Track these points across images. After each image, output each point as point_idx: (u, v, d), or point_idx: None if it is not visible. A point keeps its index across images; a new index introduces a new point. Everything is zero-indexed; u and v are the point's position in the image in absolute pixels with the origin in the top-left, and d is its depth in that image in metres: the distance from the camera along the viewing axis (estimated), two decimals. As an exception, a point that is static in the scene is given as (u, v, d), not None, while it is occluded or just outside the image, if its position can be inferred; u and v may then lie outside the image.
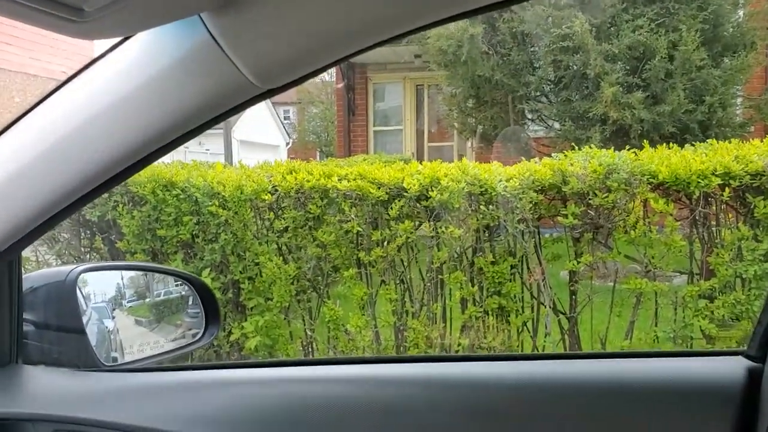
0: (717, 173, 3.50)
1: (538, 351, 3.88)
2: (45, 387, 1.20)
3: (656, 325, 3.75)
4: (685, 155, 3.69)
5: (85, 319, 1.36)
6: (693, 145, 3.99)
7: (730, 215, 3.78)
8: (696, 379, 1.15)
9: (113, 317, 1.54)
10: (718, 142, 3.96)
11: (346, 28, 0.79)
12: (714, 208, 3.69)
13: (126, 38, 0.87)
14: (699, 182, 3.50)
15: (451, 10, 0.78)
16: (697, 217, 3.66)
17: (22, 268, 1.24)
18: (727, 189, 3.50)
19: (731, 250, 3.55)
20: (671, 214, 3.58)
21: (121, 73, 0.88)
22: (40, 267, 4.54)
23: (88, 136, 0.92)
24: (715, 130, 7.97)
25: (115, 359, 1.47)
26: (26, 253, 4.48)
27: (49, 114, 0.96)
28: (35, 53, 15.02)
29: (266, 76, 0.83)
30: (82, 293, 1.38)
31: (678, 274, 4.04)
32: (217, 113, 0.89)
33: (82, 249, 4.71)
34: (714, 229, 3.70)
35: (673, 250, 3.60)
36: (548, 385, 1.17)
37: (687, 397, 1.13)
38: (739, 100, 9.17)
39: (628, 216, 3.68)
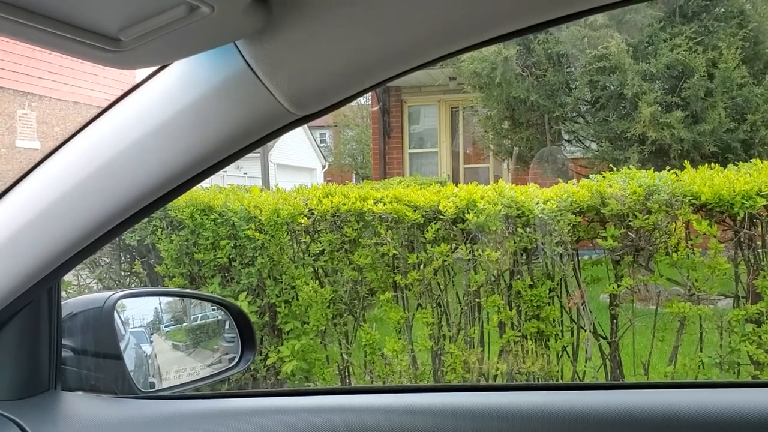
0: (762, 194, 3.41)
1: (578, 376, 3.80)
2: (83, 413, 1.20)
3: (701, 351, 3.64)
4: (728, 175, 3.61)
5: (123, 345, 1.36)
6: (736, 165, 3.89)
7: (777, 237, 3.67)
8: (753, 411, 1.10)
9: (151, 342, 1.55)
10: (762, 162, 3.86)
11: (381, 54, 0.78)
12: (760, 229, 3.59)
13: (162, 67, 0.88)
14: (743, 203, 3.41)
15: (485, 35, 0.77)
16: (742, 239, 3.56)
17: (62, 294, 1.25)
18: (773, 210, 3.41)
19: (779, 272, 3.44)
20: (715, 236, 3.49)
21: (158, 102, 0.89)
22: (81, 290, 4.62)
23: (127, 164, 0.93)
24: (758, 149, 7.81)
25: (152, 384, 1.48)
26: (68, 276, 4.57)
27: (89, 142, 0.97)
28: (77, 81, 15.46)
29: (301, 102, 0.83)
30: (120, 318, 1.39)
31: (723, 297, 3.92)
32: (253, 140, 0.89)
33: (122, 273, 4.78)
34: (760, 251, 3.59)
35: (717, 272, 3.51)
36: (592, 418, 1.13)
37: (744, 431, 1.08)
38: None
39: (669, 238, 3.60)
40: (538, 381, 3.74)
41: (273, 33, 0.75)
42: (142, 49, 0.70)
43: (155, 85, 0.90)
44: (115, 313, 1.33)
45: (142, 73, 0.93)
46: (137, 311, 1.52)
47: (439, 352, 3.97)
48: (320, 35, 0.75)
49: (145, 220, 4.38)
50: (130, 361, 1.37)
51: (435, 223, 3.83)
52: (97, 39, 0.67)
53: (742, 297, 3.61)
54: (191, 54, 0.80)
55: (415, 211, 3.87)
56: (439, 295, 4.00)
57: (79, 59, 0.72)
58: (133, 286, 4.64)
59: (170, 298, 1.74)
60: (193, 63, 0.84)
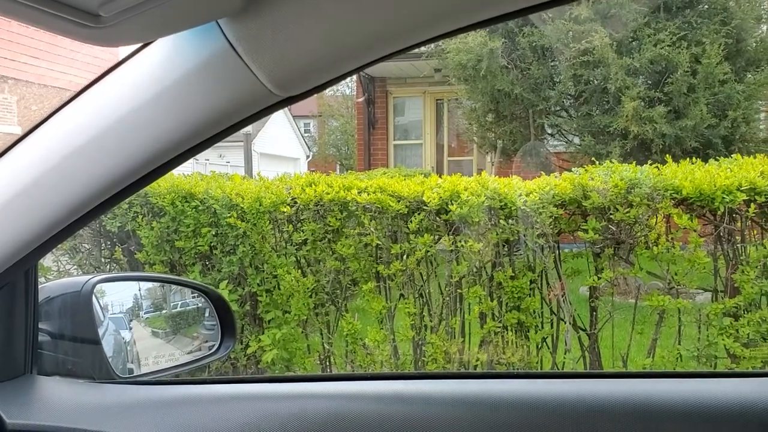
0: (742, 188, 3.45)
1: (557, 367, 3.83)
2: (59, 398, 1.19)
3: (679, 344, 3.68)
4: (709, 170, 3.64)
5: (101, 330, 1.35)
6: (717, 160, 3.93)
7: (755, 231, 3.71)
8: (727, 401, 1.11)
9: (130, 328, 1.54)
10: (742, 157, 3.90)
11: (365, 35, 0.77)
12: (739, 224, 3.62)
13: (144, 46, 0.86)
14: (724, 198, 3.44)
15: (468, 19, 0.77)
16: (721, 234, 3.60)
17: (40, 278, 1.23)
18: (752, 205, 3.44)
19: (757, 267, 3.48)
20: (695, 230, 3.52)
21: (138, 81, 0.87)
22: (61, 276, 4.58)
23: (106, 145, 0.91)
24: (739, 145, 7.88)
25: (131, 371, 1.47)
26: (47, 262, 4.52)
27: (67, 122, 0.96)
28: (61, 65, 15.25)
29: (284, 83, 0.82)
30: (99, 303, 1.38)
31: (702, 291, 3.97)
32: (235, 121, 0.88)
33: (102, 259, 4.74)
34: (739, 245, 3.63)
35: (696, 266, 3.54)
36: (570, 405, 1.14)
37: (717, 420, 1.10)
38: (762, 115, 9.06)
39: (650, 231, 3.62)
40: (518, 371, 3.76)
41: (256, 12, 0.74)
42: (123, 25, 0.68)
43: (136, 63, 0.88)
44: (94, 297, 1.31)
45: (125, 52, 0.92)
46: (117, 297, 1.50)
47: (420, 342, 3.98)
48: (304, 15, 0.74)
49: (126, 206, 4.34)
50: (108, 346, 1.36)
51: (419, 214, 3.83)
52: (76, 14, 0.65)
53: (721, 291, 3.65)
54: (173, 32, 0.78)
55: (399, 201, 3.87)
56: (422, 286, 4.00)
57: (58, 35, 0.70)
58: (113, 272, 4.60)
59: (150, 285, 1.72)
60: (174, 42, 0.83)
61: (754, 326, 3.46)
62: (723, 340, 3.51)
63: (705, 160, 3.96)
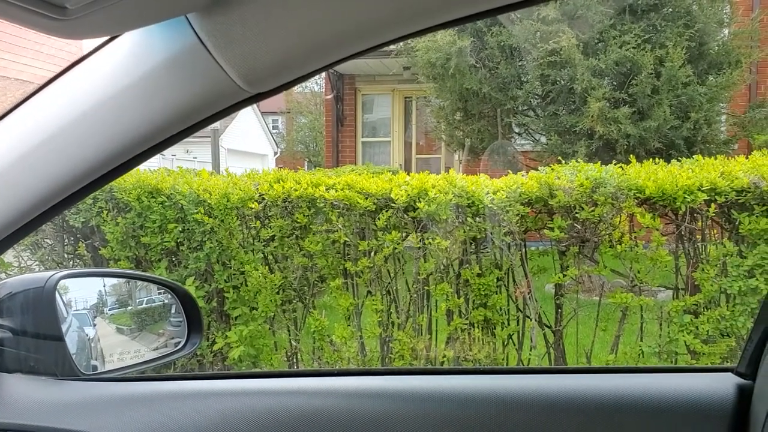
0: (703, 189, 3.52)
1: (523, 364, 3.87)
2: (21, 396, 1.17)
3: (641, 340, 3.75)
4: (671, 170, 3.71)
5: (65, 327, 1.33)
6: (679, 161, 4.01)
7: (716, 231, 3.80)
8: (686, 395, 1.14)
9: (95, 325, 1.52)
10: (703, 158, 3.98)
11: (335, 33, 0.77)
12: (700, 223, 3.70)
13: (111, 39, 0.85)
14: (685, 198, 3.51)
15: (438, 18, 0.78)
16: (683, 233, 3.67)
17: (1, 274, 1.21)
18: (713, 205, 3.52)
19: (716, 265, 3.56)
20: (657, 229, 3.59)
21: (105, 75, 0.86)
22: (22, 272, 4.48)
23: (71, 139, 0.90)
24: (700, 147, 8.05)
25: (95, 368, 1.45)
26: (9, 258, 4.42)
27: (30, 116, 0.94)
28: (19, 56, 14.92)
29: (253, 80, 0.81)
30: (62, 300, 1.35)
31: (663, 289, 4.04)
32: (204, 116, 0.87)
33: (66, 255, 4.66)
34: (699, 244, 3.71)
35: (658, 265, 3.61)
36: (536, 400, 1.16)
37: (677, 413, 1.12)
38: (723, 117, 9.26)
39: (614, 230, 3.68)
40: (485, 367, 3.79)
41: (225, 7, 0.73)
42: (90, 18, 0.68)
43: (103, 57, 0.87)
44: (57, 293, 1.29)
45: (92, 45, 0.90)
46: (81, 293, 1.48)
47: (387, 339, 3.99)
48: (274, 11, 0.74)
49: (90, 201, 4.28)
50: (71, 343, 1.34)
51: (386, 211, 3.84)
52: (42, 6, 0.64)
53: (682, 289, 3.73)
54: (140, 26, 0.78)
55: (367, 198, 3.88)
56: (389, 283, 4.01)
57: (24, 27, 0.69)
58: (77, 268, 4.52)
59: (115, 281, 1.70)
60: (142, 36, 0.82)
61: (713, 323, 3.54)
62: (683, 336, 3.58)
63: (668, 160, 4.04)
